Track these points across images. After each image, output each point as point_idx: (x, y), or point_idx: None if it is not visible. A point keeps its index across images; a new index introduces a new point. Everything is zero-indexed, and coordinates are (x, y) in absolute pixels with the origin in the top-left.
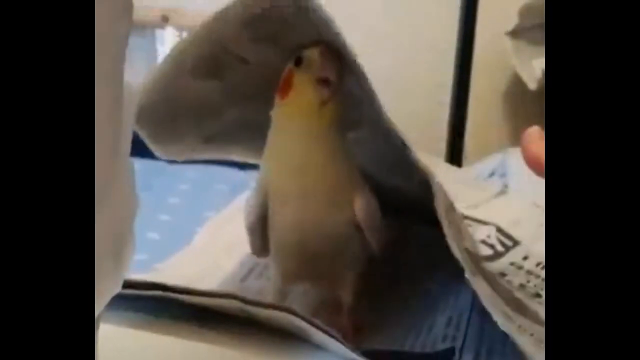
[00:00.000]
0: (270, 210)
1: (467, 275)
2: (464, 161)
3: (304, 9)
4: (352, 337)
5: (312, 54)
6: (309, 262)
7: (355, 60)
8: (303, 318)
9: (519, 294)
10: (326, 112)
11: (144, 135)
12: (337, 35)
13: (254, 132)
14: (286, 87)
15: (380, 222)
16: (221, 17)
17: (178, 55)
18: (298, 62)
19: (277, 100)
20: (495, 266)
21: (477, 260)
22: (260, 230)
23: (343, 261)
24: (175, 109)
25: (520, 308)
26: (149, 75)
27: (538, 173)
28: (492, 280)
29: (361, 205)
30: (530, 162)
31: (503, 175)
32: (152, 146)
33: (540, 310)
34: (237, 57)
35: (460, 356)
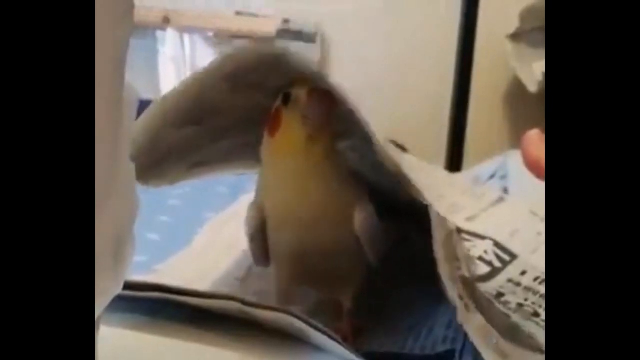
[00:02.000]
0: (268, 225)
1: (459, 319)
2: (465, 163)
3: (283, 57)
4: (352, 339)
5: (300, 94)
6: (308, 273)
7: (344, 96)
8: (303, 320)
9: (516, 317)
10: (317, 148)
11: None
12: (320, 75)
13: (241, 152)
14: (275, 125)
15: (379, 234)
16: (201, 75)
17: (160, 109)
18: (286, 99)
19: (266, 137)
20: (492, 285)
21: (472, 287)
22: (260, 242)
23: (342, 271)
24: (159, 154)
25: (516, 336)
26: (134, 127)
27: (538, 176)
28: (488, 307)
29: (360, 221)
30: (530, 165)
31: (503, 177)
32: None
33: (538, 332)
34: (217, 105)
35: (460, 358)
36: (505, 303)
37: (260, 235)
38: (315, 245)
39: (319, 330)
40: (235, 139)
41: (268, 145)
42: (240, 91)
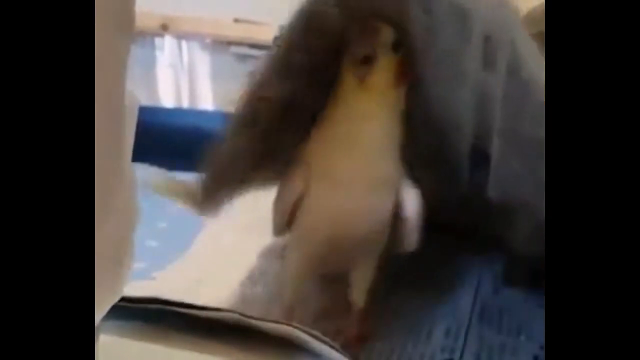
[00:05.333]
0: (309, 192)
1: None
2: None
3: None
4: (357, 343)
5: (352, 33)
6: (335, 247)
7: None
8: (303, 330)
9: None
10: (388, 97)
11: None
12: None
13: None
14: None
15: (421, 220)
16: (254, 75)
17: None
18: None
19: (352, 85)
20: None
21: None
22: (291, 210)
23: (366, 247)
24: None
25: None
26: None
27: None
28: None
29: (409, 198)
30: None
31: None
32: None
33: None
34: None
35: None
36: None
37: (292, 206)
38: (353, 212)
39: (320, 339)
40: (276, 142)
41: (353, 94)
42: (288, 79)
